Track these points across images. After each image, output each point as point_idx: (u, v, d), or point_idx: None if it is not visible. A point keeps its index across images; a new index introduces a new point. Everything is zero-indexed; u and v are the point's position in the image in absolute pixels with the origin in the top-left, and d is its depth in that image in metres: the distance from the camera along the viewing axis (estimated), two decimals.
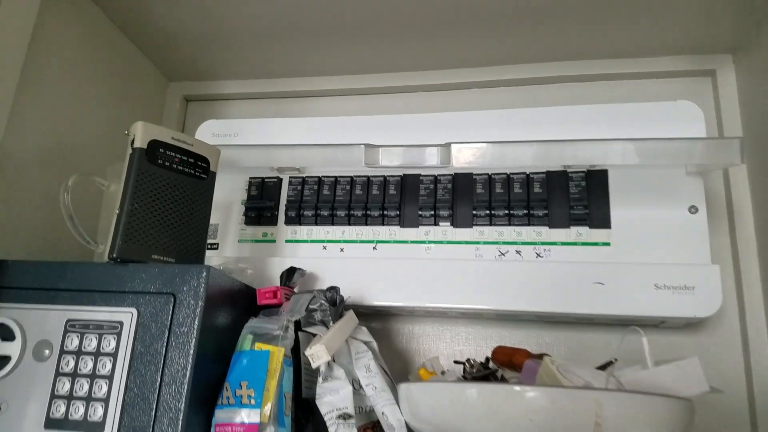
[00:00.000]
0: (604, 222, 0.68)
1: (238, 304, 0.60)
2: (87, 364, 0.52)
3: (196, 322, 0.52)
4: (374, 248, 0.74)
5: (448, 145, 0.64)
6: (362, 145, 0.66)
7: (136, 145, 0.57)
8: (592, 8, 0.70)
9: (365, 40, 0.80)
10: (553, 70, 0.82)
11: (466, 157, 0.64)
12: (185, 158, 0.60)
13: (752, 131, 0.72)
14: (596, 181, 0.69)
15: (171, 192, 0.58)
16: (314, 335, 0.59)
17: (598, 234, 0.68)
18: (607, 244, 0.67)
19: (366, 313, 0.74)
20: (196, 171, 0.61)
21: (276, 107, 0.93)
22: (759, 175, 0.71)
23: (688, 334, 0.71)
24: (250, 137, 0.80)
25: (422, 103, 0.87)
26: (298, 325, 0.60)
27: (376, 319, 0.79)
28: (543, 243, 0.69)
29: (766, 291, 0.68)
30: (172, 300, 0.53)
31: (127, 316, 0.53)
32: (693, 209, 0.66)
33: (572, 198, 0.69)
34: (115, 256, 0.54)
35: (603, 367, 0.60)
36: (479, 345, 0.76)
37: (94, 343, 0.53)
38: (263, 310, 0.61)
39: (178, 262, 0.58)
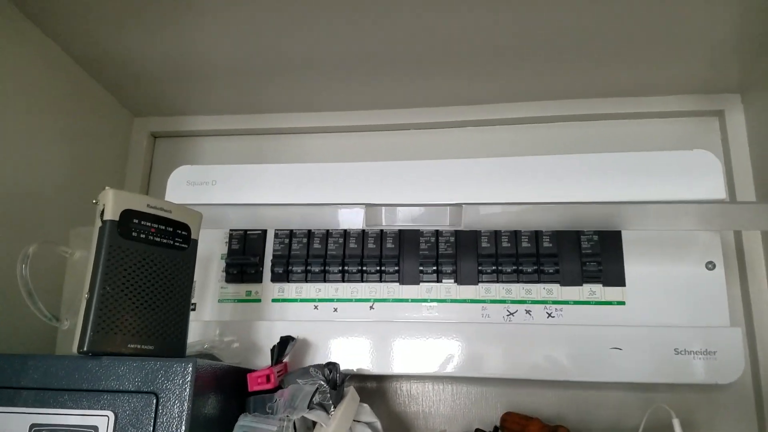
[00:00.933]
0: (618, 279, 0.64)
1: (228, 391, 0.53)
2: None
3: (184, 426, 0.45)
4: (371, 307, 0.68)
5: (459, 206, 0.59)
6: (362, 205, 0.60)
7: (107, 217, 0.49)
8: (596, 46, 0.66)
9: (350, 76, 0.74)
10: (556, 109, 0.77)
11: (481, 219, 0.59)
12: (163, 227, 0.53)
13: (762, 174, 0.69)
14: (609, 236, 0.65)
15: (148, 268, 0.51)
16: (313, 423, 0.53)
17: (612, 292, 0.64)
18: (622, 303, 0.63)
19: (360, 374, 0.69)
20: (176, 241, 0.54)
21: (253, 145, 0.86)
22: None
23: (699, 392, 0.67)
24: (231, 186, 0.72)
25: (414, 142, 0.82)
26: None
27: (371, 378, 0.73)
28: (555, 302, 0.64)
29: None
30: (154, 400, 0.46)
31: (102, 420, 0.46)
32: (710, 265, 0.63)
33: (584, 253, 0.65)
34: (85, 349, 0.47)
35: None
36: (482, 406, 0.71)
37: None
38: (255, 396, 0.54)
39: (158, 350, 0.50)
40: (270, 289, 0.70)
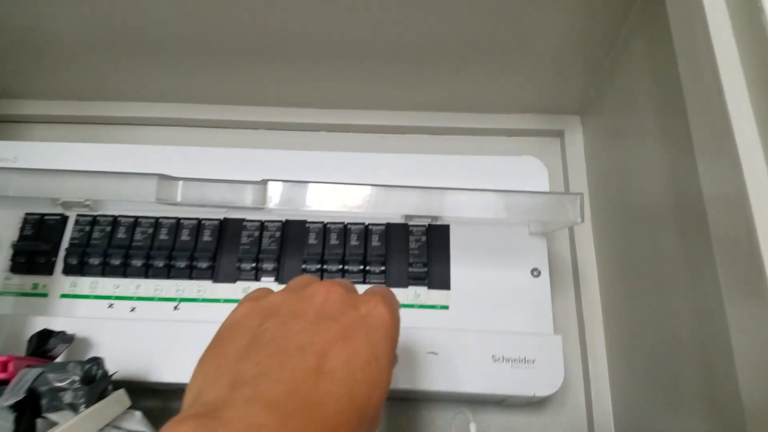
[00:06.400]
0: (443, 283, 0.60)
1: None
2: None
3: None
4: (176, 308, 0.60)
5: (264, 182, 0.53)
6: (155, 176, 0.53)
7: None
8: (445, 60, 0.66)
9: (187, 66, 0.69)
10: (401, 120, 0.75)
11: (285, 198, 0.54)
12: None
13: (596, 191, 0.70)
14: (437, 237, 0.62)
15: None
16: (56, 424, 0.44)
17: (436, 296, 0.60)
18: (446, 307, 0.59)
19: (161, 390, 0.60)
20: None
21: (85, 134, 0.78)
22: (602, 235, 0.67)
23: (531, 413, 0.64)
24: (32, 164, 0.64)
25: (255, 141, 0.77)
26: (37, 411, 0.44)
27: (176, 397, 0.64)
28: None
29: (611, 362, 0.63)
30: None
31: None
32: (535, 272, 0.61)
33: (412, 254, 0.61)
34: None
35: None
36: None
37: None
38: None
39: None
40: (60, 282, 0.60)
